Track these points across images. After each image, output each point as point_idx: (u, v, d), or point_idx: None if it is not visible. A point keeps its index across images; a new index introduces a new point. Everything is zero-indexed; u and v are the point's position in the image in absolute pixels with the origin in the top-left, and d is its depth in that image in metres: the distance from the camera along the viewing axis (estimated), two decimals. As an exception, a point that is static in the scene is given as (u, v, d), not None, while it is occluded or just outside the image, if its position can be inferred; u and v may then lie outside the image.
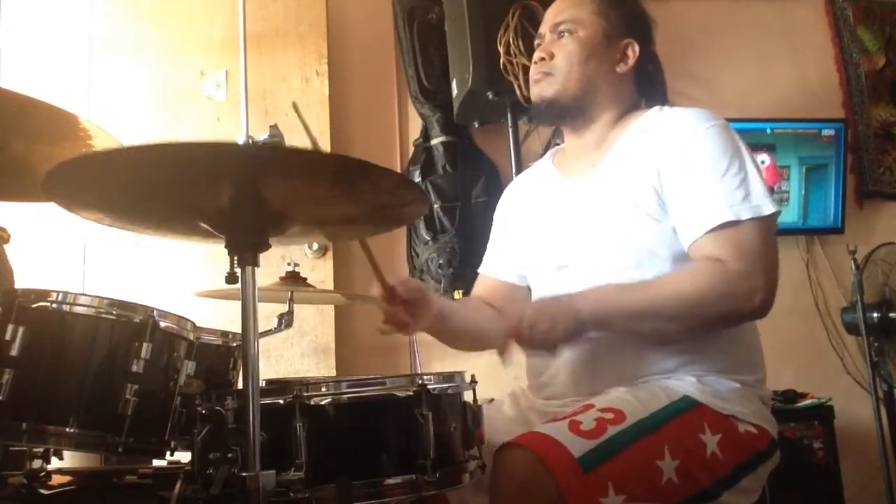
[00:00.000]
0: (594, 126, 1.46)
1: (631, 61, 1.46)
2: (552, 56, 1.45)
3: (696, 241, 1.27)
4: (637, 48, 1.46)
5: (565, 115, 1.46)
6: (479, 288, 1.64)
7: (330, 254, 2.60)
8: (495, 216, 1.68)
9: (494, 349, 1.44)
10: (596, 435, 1.12)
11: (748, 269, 1.23)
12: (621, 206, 1.35)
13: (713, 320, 1.27)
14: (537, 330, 1.22)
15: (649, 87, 1.50)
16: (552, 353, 1.27)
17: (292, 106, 1.27)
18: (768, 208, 1.26)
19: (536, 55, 1.48)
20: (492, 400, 1.43)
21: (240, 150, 1.04)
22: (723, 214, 1.24)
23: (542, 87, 1.46)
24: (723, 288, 1.23)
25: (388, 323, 1.31)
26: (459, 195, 2.75)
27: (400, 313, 1.30)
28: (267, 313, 1.59)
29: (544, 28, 1.50)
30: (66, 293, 1.23)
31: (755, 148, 1.34)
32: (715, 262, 1.24)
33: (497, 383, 1.53)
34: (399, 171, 2.76)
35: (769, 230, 1.27)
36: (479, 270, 1.66)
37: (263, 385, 1.21)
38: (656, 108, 1.43)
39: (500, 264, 1.61)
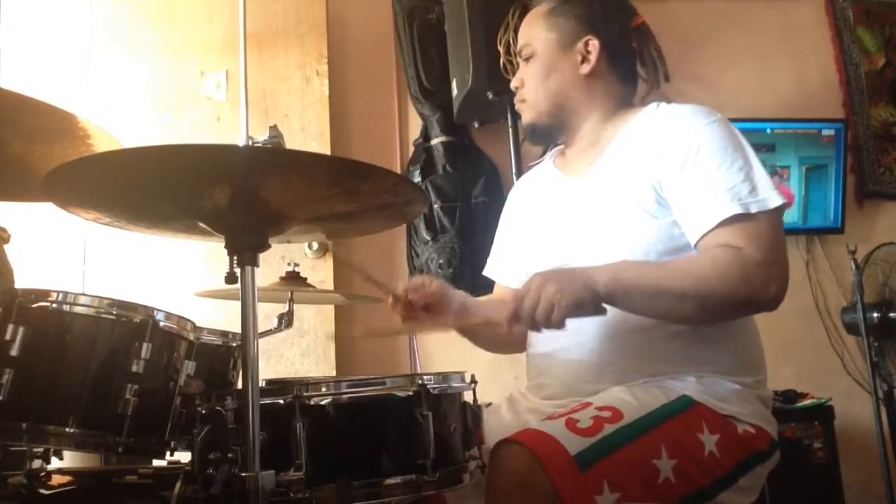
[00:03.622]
0: (583, 130, 1.48)
1: (593, 57, 1.44)
2: (522, 83, 1.51)
3: (706, 234, 1.26)
4: (597, 42, 1.44)
5: (550, 132, 1.51)
6: (495, 297, 1.65)
7: (330, 254, 2.59)
8: (501, 219, 1.69)
9: (514, 346, 1.46)
10: (592, 433, 1.12)
11: (764, 259, 1.22)
12: (618, 203, 1.35)
13: (728, 306, 1.25)
14: (545, 294, 1.15)
15: (626, 69, 1.48)
16: (560, 328, 1.16)
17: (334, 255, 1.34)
18: (775, 200, 1.25)
19: (512, 85, 1.53)
20: (489, 404, 1.43)
21: (239, 153, 1.04)
22: (732, 207, 1.24)
23: (522, 115, 1.52)
24: (741, 272, 1.21)
25: (406, 320, 1.40)
26: (459, 195, 2.75)
27: (418, 314, 1.39)
28: (267, 313, 1.59)
29: (517, 57, 1.55)
30: (66, 293, 1.23)
31: (755, 148, 1.34)
32: (732, 248, 1.23)
33: (497, 384, 1.52)
34: (399, 171, 2.76)
35: (779, 222, 1.27)
36: (485, 273, 1.67)
37: (263, 385, 1.22)
38: (653, 105, 1.43)
39: (508, 272, 1.62)
